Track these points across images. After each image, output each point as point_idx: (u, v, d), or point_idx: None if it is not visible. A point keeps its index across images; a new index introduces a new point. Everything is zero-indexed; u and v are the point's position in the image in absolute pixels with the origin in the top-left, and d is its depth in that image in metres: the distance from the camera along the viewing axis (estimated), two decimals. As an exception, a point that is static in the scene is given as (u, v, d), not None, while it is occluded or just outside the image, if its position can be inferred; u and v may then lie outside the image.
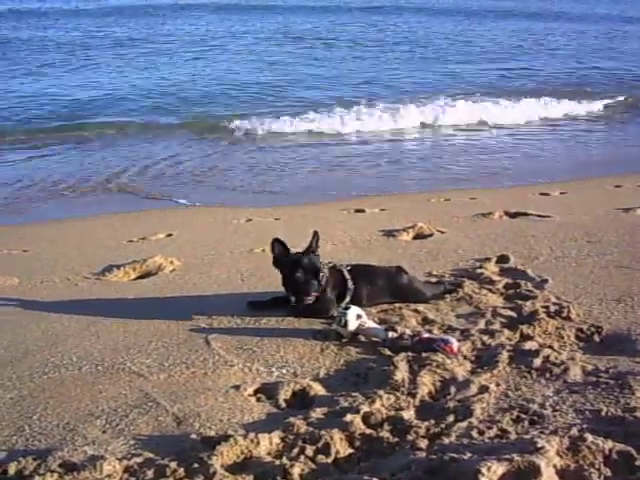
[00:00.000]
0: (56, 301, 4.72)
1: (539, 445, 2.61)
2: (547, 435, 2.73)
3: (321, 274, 4.19)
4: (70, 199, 8.51)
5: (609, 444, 2.62)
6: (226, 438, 2.83)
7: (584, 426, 2.81)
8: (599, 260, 5.12)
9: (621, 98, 15.30)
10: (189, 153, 11.02)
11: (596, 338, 3.84)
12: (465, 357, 3.63)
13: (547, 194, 7.75)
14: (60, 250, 6.17)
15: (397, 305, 4.38)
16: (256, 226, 6.79)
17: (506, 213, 6.72)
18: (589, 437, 2.67)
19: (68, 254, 6.00)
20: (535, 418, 2.94)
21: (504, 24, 30.59)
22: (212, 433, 2.97)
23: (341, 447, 2.80)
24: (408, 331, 3.86)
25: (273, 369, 3.62)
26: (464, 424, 2.90)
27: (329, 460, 2.73)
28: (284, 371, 3.60)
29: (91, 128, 12.35)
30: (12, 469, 2.72)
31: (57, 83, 16.25)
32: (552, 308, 4.16)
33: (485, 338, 3.83)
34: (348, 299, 4.26)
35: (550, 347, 3.68)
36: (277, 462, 2.69)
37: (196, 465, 2.69)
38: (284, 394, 3.33)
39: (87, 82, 16.34)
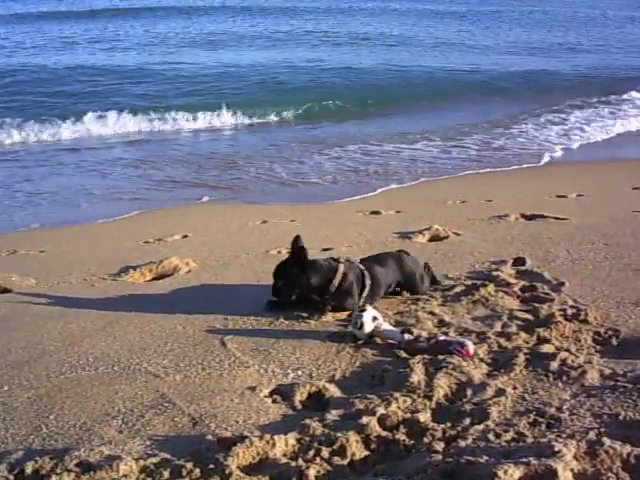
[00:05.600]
0: (73, 302, 4.74)
1: (556, 449, 2.59)
2: (564, 439, 2.71)
3: (295, 280, 4.33)
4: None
5: (627, 448, 2.60)
6: (242, 439, 2.83)
7: (602, 430, 2.78)
8: (616, 263, 5.08)
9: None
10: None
11: (614, 341, 3.80)
12: (481, 360, 3.60)
13: (564, 196, 7.70)
14: (77, 251, 6.21)
15: (413, 307, 4.38)
16: (272, 227, 6.80)
17: (522, 215, 6.67)
18: (607, 441, 2.64)
19: (85, 255, 6.04)
20: (552, 422, 2.92)
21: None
22: (228, 434, 2.97)
23: (357, 449, 2.79)
24: (424, 333, 3.85)
25: (289, 371, 3.62)
26: (480, 427, 2.89)
27: (345, 462, 2.72)
28: (300, 373, 3.60)
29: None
30: (29, 468, 2.73)
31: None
32: (569, 311, 4.13)
33: (501, 341, 3.81)
34: (368, 288, 4.39)
35: (567, 350, 3.65)
36: (293, 463, 2.69)
37: (212, 466, 2.69)
38: (300, 396, 3.33)
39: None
